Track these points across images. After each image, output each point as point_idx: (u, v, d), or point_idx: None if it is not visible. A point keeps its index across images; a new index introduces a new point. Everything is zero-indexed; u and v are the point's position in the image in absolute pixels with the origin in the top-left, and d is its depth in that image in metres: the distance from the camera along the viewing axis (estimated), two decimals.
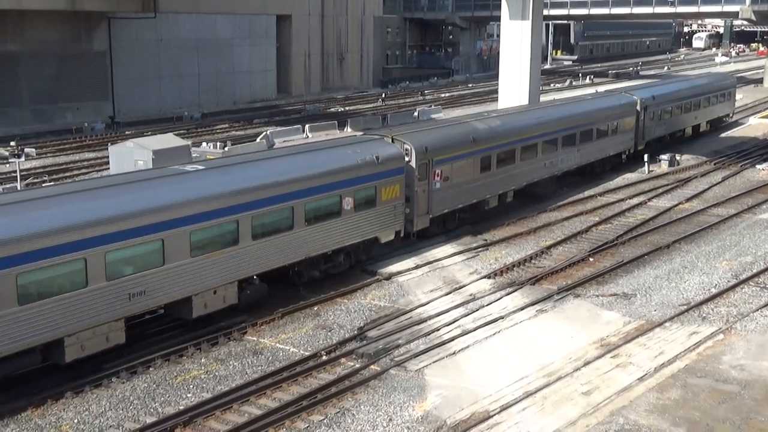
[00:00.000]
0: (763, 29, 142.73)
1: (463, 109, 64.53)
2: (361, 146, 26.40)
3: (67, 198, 19.15)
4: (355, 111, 68.05)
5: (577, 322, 22.25)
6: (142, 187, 20.35)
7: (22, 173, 36.31)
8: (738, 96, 74.47)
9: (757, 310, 22.96)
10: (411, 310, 22.93)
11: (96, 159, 44.92)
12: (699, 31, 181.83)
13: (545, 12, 61.33)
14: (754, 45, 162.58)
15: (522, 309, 23.01)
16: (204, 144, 39.22)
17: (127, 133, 52.99)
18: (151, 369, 19.15)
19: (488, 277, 25.84)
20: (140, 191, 20.04)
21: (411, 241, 28.28)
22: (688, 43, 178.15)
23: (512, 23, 43.71)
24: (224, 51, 71.29)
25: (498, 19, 51.54)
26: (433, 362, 19.58)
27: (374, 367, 19.24)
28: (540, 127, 35.44)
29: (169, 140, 34.54)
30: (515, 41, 43.76)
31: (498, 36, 70.98)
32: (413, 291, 24.59)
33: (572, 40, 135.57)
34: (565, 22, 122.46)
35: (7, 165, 40.52)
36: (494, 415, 17.03)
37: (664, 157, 44.21)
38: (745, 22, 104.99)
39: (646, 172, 42.33)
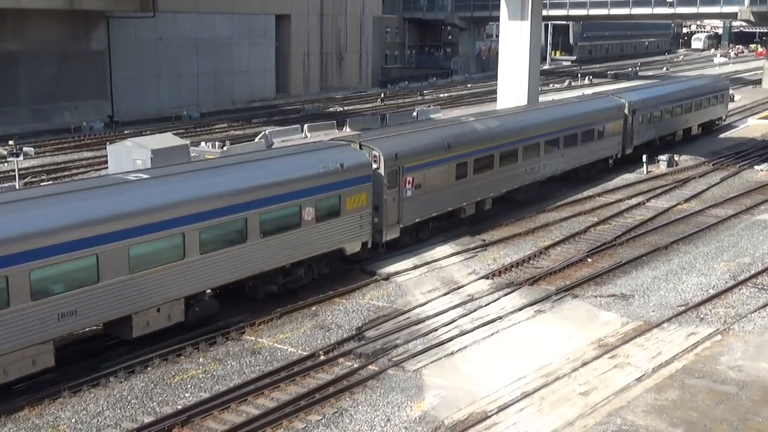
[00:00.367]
0: (761, 30, 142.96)
1: (462, 110, 64.51)
2: (325, 153, 25.01)
3: None
4: (354, 111, 68.05)
5: (575, 322, 22.26)
6: (75, 197, 18.96)
7: (21, 172, 36.29)
8: (737, 97, 74.76)
9: (755, 311, 22.98)
10: (409, 311, 22.93)
11: (94, 158, 44.90)
12: (698, 32, 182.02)
13: (544, 12, 61.45)
14: (752, 46, 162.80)
15: (520, 309, 23.02)
16: (202, 144, 39.26)
17: (125, 132, 52.98)
18: (149, 368, 19.13)
19: (486, 277, 25.84)
20: (73, 202, 18.65)
21: (380, 252, 26.94)
22: (687, 44, 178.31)
23: (511, 23, 43.74)
24: (223, 50, 71.28)
25: (497, 19, 51.62)
26: (431, 362, 19.58)
27: (372, 367, 19.24)
28: (520, 132, 33.94)
29: (168, 140, 34.54)
30: (514, 41, 43.77)
31: (497, 36, 71.05)
32: (411, 291, 24.60)
33: (571, 41, 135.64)
34: (564, 22, 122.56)
35: (6, 164, 40.52)
36: (492, 415, 17.03)
37: (663, 157, 44.21)
38: (743, 23, 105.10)
39: (645, 173, 42.37)
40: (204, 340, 20.43)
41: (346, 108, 71.03)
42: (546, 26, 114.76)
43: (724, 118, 59.21)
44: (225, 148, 38.12)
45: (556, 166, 36.74)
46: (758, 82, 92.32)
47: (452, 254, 28.10)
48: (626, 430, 16.50)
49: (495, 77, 48.33)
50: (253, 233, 21.69)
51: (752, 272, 26.31)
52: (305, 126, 43.50)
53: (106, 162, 36.41)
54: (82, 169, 42.10)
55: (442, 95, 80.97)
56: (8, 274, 16.88)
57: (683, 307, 23.21)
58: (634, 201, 36.29)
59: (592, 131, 39.50)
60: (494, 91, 50.82)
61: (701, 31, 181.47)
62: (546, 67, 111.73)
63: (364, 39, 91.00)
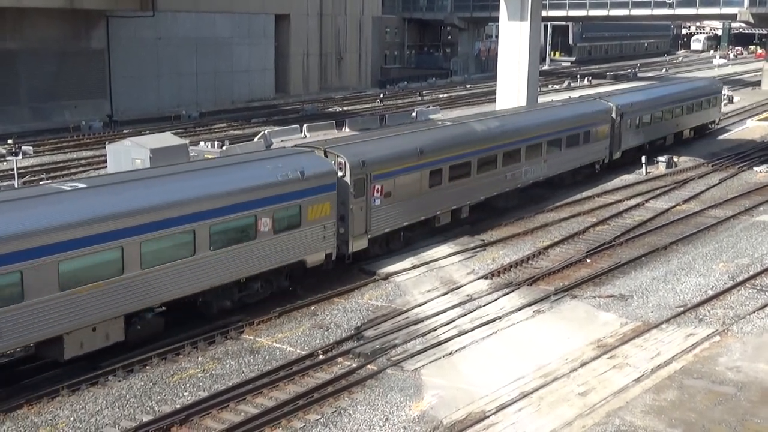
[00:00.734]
0: (761, 32, 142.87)
1: (462, 110, 64.56)
2: (285, 160, 23.67)
3: None
4: (354, 111, 68.07)
5: (574, 323, 22.27)
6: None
7: (20, 171, 36.29)
8: (736, 98, 74.79)
9: (754, 312, 23.00)
10: (408, 310, 22.95)
11: (94, 157, 44.87)
12: (697, 33, 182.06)
13: (544, 13, 61.39)
14: (752, 47, 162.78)
15: (519, 310, 23.03)
16: (202, 143, 39.32)
17: (125, 131, 52.96)
18: (147, 367, 19.13)
19: (485, 277, 25.86)
20: None
21: (347, 264, 25.70)
22: (686, 45, 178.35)
23: (511, 24, 43.75)
24: (223, 50, 71.29)
25: (496, 19, 51.65)
26: (430, 362, 19.59)
27: (371, 367, 19.25)
28: (500, 137, 32.52)
29: (167, 139, 34.58)
30: (513, 42, 43.78)
31: (496, 37, 71.15)
32: (410, 291, 24.60)
33: (571, 42, 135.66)
34: (564, 23, 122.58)
35: (5, 163, 40.51)
36: (490, 415, 17.04)
37: (662, 158, 44.22)
38: (743, 25, 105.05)
39: (644, 174, 42.39)
40: (203, 339, 20.44)
41: (345, 108, 71.04)
42: (545, 27, 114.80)
43: (717, 121, 58.17)
44: (224, 148, 38.20)
45: (539, 172, 35.51)
46: (757, 83, 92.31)
47: (451, 254, 28.11)
48: (625, 431, 16.51)
49: (494, 78, 48.31)
50: (202, 246, 20.41)
51: (751, 273, 26.33)
52: (304, 126, 43.55)
53: (105, 161, 36.45)
54: (81, 168, 42.08)
55: (441, 96, 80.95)
56: None
57: (682, 308, 23.23)
58: (633, 202, 36.31)
59: (578, 135, 38.27)
60: (493, 92, 50.76)
61: (701, 33, 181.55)
62: (545, 67, 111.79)
63: (363, 39, 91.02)
